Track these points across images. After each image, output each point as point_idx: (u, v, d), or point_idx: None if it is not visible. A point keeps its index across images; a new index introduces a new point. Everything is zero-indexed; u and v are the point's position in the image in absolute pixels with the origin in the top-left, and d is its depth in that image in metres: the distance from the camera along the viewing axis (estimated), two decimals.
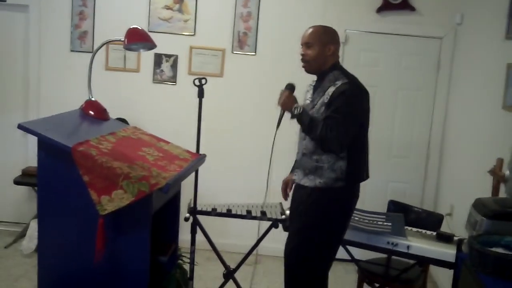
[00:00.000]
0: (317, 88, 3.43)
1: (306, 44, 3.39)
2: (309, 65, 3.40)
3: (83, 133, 2.85)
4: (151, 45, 3.02)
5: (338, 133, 3.17)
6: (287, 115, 3.34)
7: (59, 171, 2.58)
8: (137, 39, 2.97)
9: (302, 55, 3.41)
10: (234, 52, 5.48)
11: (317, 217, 3.35)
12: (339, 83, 3.28)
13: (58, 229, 2.64)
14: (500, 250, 2.46)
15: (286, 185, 3.71)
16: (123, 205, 2.44)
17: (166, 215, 3.11)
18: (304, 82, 3.56)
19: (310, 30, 3.40)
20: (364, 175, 3.46)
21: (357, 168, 3.36)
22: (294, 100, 3.34)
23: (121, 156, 2.55)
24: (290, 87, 3.38)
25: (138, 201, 2.46)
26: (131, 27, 2.95)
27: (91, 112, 3.03)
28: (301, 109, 3.28)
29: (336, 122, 3.17)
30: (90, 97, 3.05)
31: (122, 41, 2.95)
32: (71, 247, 2.65)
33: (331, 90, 3.29)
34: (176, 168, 2.71)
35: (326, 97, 3.29)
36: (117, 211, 2.46)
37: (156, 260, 2.97)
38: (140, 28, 2.98)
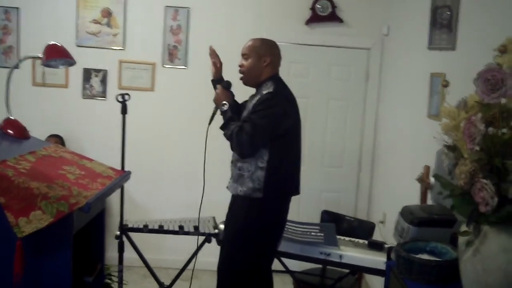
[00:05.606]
0: (253, 98, 3.46)
1: (243, 56, 3.44)
2: (244, 76, 3.44)
3: (0, 153, 2.74)
4: (71, 61, 2.94)
5: (245, 137, 3.19)
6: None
7: None
8: (56, 55, 2.88)
9: (239, 66, 3.45)
10: (165, 66, 5.43)
11: (237, 227, 3.37)
12: (265, 91, 3.32)
13: None
14: (425, 256, 2.49)
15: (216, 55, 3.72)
16: (42, 226, 2.34)
17: (91, 233, 3.03)
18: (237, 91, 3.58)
19: (249, 42, 3.46)
20: (289, 189, 3.45)
21: (278, 181, 3.34)
22: (226, 96, 3.39)
23: (40, 176, 2.46)
24: (226, 84, 3.47)
25: (58, 222, 2.37)
26: (50, 43, 2.87)
27: (10, 131, 2.92)
28: (227, 106, 3.34)
29: (248, 126, 3.20)
30: (9, 115, 2.94)
31: (40, 57, 2.86)
32: None
33: (256, 98, 3.35)
34: (99, 186, 2.63)
35: (252, 105, 3.35)
36: (37, 232, 2.37)
37: (81, 280, 2.88)
38: (59, 44, 2.90)
